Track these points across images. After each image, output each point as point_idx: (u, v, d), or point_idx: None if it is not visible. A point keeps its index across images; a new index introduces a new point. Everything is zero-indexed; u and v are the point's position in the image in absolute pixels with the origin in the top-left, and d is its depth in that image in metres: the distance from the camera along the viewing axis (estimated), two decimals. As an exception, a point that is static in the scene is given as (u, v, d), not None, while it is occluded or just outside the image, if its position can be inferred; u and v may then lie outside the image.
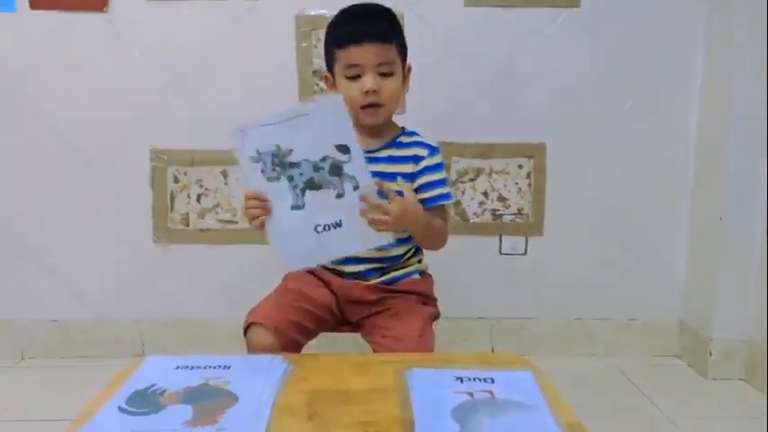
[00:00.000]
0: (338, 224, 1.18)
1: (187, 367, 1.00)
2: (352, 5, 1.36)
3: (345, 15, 1.34)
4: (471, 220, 2.07)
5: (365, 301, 1.34)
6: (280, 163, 1.15)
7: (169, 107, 1.99)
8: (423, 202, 1.32)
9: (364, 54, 1.26)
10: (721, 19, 1.92)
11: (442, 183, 1.34)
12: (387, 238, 1.20)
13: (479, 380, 0.94)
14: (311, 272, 1.39)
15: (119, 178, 2.02)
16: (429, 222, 1.29)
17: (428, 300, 1.41)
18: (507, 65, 2.00)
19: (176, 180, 2.03)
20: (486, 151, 2.03)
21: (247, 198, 1.19)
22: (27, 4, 1.93)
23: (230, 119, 1.97)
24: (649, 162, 2.05)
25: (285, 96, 1.96)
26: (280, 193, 1.17)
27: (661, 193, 2.07)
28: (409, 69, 1.37)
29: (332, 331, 1.41)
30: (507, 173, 2.06)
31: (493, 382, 0.94)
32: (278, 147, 1.14)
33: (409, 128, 1.42)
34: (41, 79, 1.98)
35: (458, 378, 0.95)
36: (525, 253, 2.09)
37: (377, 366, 1.06)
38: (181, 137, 2.00)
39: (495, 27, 1.98)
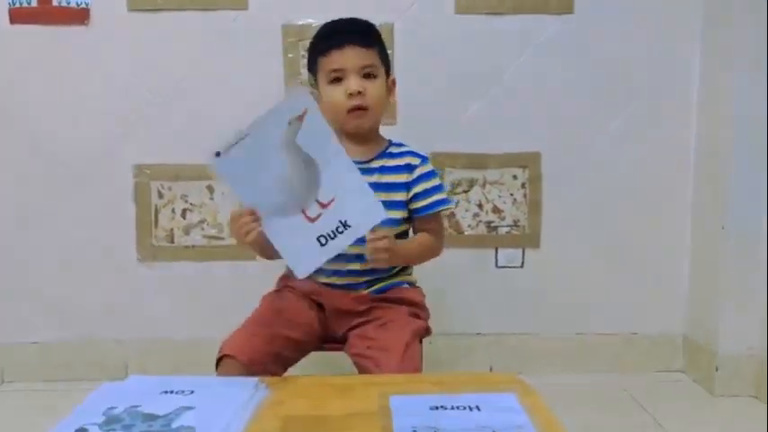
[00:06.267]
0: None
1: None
2: (334, 20, 1.36)
3: (327, 28, 1.35)
4: (466, 233, 2.01)
5: (354, 312, 1.31)
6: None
7: (153, 121, 1.94)
8: (419, 210, 1.32)
9: (346, 58, 1.26)
10: (719, 22, 1.87)
11: (437, 189, 1.34)
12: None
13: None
14: (292, 288, 1.34)
15: (101, 195, 1.96)
16: (415, 249, 1.33)
17: (420, 311, 1.37)
18: (499, 72, 1.95)
19: (160, 195, 1.97)
20: (480, 161, 1.98)
21: (238, 215, 1.11)
22: (6, 19, 1.88)
23: (217, 132, 1.94)
24: (648, 171, 2.00)
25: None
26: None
27: (661, 203, 2.01)
28: (393, 82, 1.38)
29: (315, 351, 1.35)
30: (502, 183, 2.00)
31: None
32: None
33: (396, 139, 1.41)
34: (21, 94, 1.93)
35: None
36: (522, 266, 2.03)
37: (360, 390, 1.00)
38: (165, 151, 1.95)
39: (486, 34, 1.93)
